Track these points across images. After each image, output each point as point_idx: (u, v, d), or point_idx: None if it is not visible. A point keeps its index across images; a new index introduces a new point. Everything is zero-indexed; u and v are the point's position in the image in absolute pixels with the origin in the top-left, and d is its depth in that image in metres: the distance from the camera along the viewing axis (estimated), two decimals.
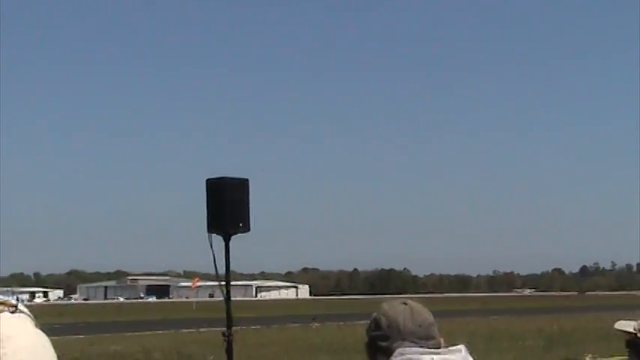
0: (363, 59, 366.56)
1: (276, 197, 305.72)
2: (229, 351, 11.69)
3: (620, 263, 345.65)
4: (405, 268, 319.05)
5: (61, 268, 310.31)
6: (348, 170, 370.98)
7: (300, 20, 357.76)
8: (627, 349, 4.78)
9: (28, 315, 2.10)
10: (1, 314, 2.04)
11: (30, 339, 2.03)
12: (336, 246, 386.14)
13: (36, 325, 2.08)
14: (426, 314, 3.73)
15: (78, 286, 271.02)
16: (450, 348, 3.68)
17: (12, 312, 2.07)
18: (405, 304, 3.75)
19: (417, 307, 3.76)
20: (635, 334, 4.73)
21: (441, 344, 3.72)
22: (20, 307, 2.16)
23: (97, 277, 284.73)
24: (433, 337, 3.68)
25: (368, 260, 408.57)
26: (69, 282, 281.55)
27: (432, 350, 3.60)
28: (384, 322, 3.68)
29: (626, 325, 4.81)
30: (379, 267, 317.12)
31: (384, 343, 3.65)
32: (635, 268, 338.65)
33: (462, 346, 3.69)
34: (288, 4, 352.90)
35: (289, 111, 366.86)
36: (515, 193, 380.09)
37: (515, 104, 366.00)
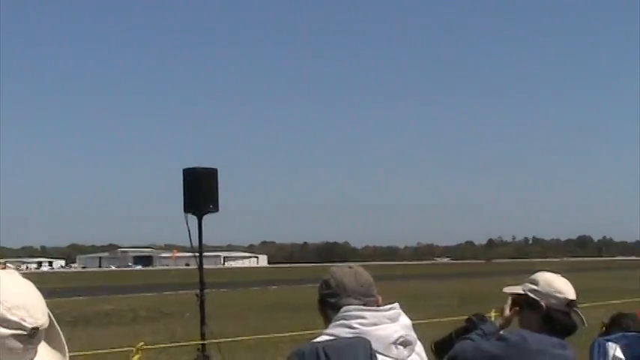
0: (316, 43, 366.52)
1: (241, 182, 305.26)
2: (202, 308, 11.78)
3: (519, 237, 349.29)
4: (345, 241, 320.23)
5: (63, 242, 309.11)
6: (299, 160, 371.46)
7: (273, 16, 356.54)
8: (517, 308, 4.86)
9: (15, 269, 2.14)
10: None
11: (17, 280, 2.07)
12: (290, 223, 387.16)
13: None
14: (367, 276, 3.80)
15: (77, 257, 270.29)
16: (386, 306, 3.74)
17: (2, 268, 2.12)
18: (350, 267, 3.84)
19: (360, 270, 3.84)
20: (526, 293, 4.80)
21: (379, 302, 3.80)
22: (8, 265, 2.23)
23: (93, 249, 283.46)
24: (372, 296, 3.75)
25: (316, 235, 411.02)
26: (70, 253, 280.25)
27: (372, 308, 3.66)
28: (332, 282, 3.75)
29: (514, 288, 4.89)
30: (325, 240, 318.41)
31: (332, 300, 3.72)
32: (530, 241, 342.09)
33: (396, 304, 3.76)
34: None
35: (250, 105, 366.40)
36: (434, 176, 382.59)
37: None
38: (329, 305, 3.74)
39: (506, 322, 4.82)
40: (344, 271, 3.79)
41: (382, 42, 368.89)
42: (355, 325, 3.59)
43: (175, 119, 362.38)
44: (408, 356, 3.67)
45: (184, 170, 11.83)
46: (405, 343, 3.67)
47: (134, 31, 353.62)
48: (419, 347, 3.83)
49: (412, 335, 3.73)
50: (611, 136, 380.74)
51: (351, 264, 3.91)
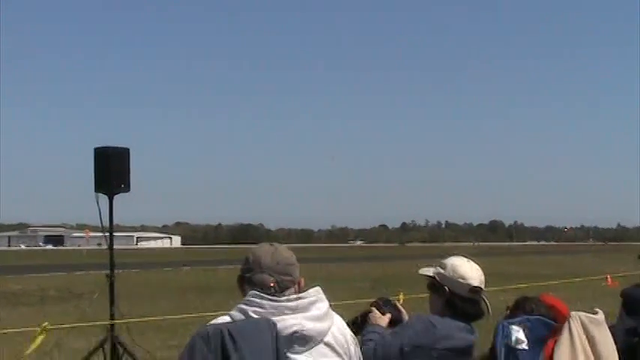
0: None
1: (155, 162, 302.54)
2: (111, 289, 11.69)
3: (432, 221, 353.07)
4: (260, 223, 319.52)
5: None
6: (213, 141, 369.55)
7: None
8: (429, 290, 4.93)
9: None
10: None
11: None
12: (203, 204, 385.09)
13: None
14: (286, 254, 3.81)
15: None
16: (294, 295, 3.75)
17: None
18: (272, 245, 3.87)
19: (281, 248, 3.85)
20: (434, 277, 4.88)
21: (300, 284, 3.82)
22: None
23: (2, 228, 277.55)
24: (289, 275, 3.75)
25: (230, 216, 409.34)
26: None
27: (275, 298, 3.66)
28: (250, 258, 3.78)
29: (427, 270, 4.96)
30: (239, 222, 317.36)
31: (247, 275, 3.76)
32: (443, 225, 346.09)
33: (313, 291, 3.77)
34: None
35: (165, 84, 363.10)
36: (350, 160, 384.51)
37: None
38: (245, 280, 3.78)
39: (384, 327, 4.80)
40: (264, 248, 3.83)
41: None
42: (250, 314, 3.59)
43: (88, 97, 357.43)
44: (304, 351, 3.67)
45: (96, 149, 11.70)
46: (302, 339, 3.66)
47: (40, 4, 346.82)
48: (331, 337, 3.82)
49: (317, 329, 3.69)
50: (522, 123, 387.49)
51: (276, 243, 3.92)
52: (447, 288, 4.75)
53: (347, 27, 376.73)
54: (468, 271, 4.79)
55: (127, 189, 11.66)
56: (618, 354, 5.61)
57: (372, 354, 4.37)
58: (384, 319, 4.76)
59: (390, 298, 5.03)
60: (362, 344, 4.36)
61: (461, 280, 4.74)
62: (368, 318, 4.79)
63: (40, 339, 10.57)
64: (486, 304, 4.83)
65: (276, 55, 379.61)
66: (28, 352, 10.36)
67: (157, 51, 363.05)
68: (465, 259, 4.87)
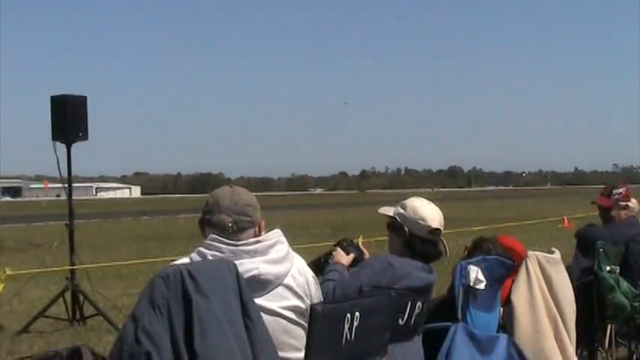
0: None
1: (114, 111, 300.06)
2: (71, 238, 11.69)
3: (392, 167, 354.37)
4: (220, 172, 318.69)
5: None
6: (171, 89, 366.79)
7: None
8: (388, 230, 4.99)
9: None
10: None
11: None
12: (162, 154, 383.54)
13: None
14: (245, 196, 3.86)
15: None
16: (253, 239, 3.78)
17: None
18: (231, 187, 3.93)
19: (240, 190, 3.91)
20: (395, 217, 4.93)
21: (259, 225, 3.87)
22: None
23: None
24: (248, 216, 3.80)
25: (189, 165, 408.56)
26: None
27: (233, 242, 3.70)
28: (210, 200, 3.86)
29: (388, 210, 5.01)
30: (199, 171, 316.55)
31: (207, 216, 3.82)
32: (403, 172, 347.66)
33: (271, 234, 3.84)
34: None
35: (123, 35, 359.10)
36: (308, 108, 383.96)
37: None
38: (205, 222, 3.84)
39: (345, 266, 4.87)
40: (223, 190, 3.89)
41: None
42: (209, 257, 3.63)
43: (42, 45, 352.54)
44: (263, 295, 3.70)
45: (52, 97, 11.62)
46: (259, 283, 3.69)
47: None
48: (291, 279, 3.85)
49: (275, 272, 3.73)
50: (480, 69, 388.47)
51: (236, 186, 3.96)
52: (406, 229, 4.82)
53: None
54: (428, 212, 4.85)
55: (85, 137, 11.61)
56: (574, 292, 5.74)
57: (331, 294, 4.43)
58: (347, 259, 4.83)
59: (353, 240, 5.10)
60: (322, 284, 4.41)
61: (421, 222, 4.81)
62: (331, 257, 4.85)
63: (0, 287, 10.55)
64: (444, 245, 4.91)
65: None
66: None
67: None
68: (426, 201, 4.94)
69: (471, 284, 4.86)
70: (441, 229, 4.87)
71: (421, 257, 4.80)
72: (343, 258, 4.84)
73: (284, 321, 3.76)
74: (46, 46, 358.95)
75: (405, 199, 4.98)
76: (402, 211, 4.89)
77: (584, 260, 7.00)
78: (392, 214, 4.92)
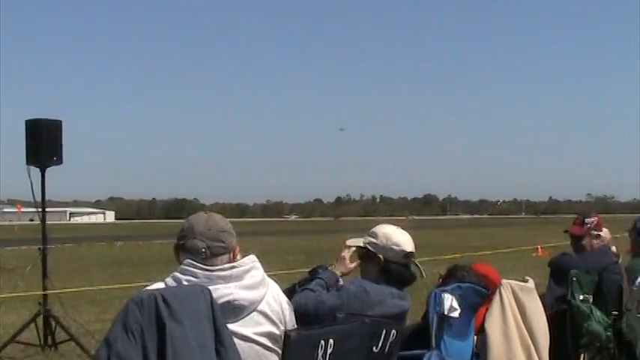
0: None
1: (89, 136, 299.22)
2: (44, 262, 11.59)
3: (367, 195, 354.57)
4: (195, 198, 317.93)
5: None
6: (147, 114, 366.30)
7: None
8: (360, 260, 5.02)
9: None
10: None
11: None
12: (137, 179, 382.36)
13: None
14: (220, 222, 3.85)
15: None
16: (228, 264, 3.77)
17: None
18: (206, 212, 3.92)
19: (215, 216, 3.90)
20: (366, 247, 4.97)
21: (233, 251, 3.84)
22: None
23: None
24: (221, 242, 3.78)
25: (164, 191, 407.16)
26: None
27: (207, 267, 3.68)
28: (185, 225, 3.84)
29: (357, 241, 5.05)
30: (174, 197, 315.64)
31: (181, 241, 3.80)
32: (378, 199, 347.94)
33: (247, 259, 3.81)
34: None
35: (99, 56, 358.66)
36: (285, 134, 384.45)
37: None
38: (180, 247, 3.83)
39: (348, 272, 4.97)
40: (199, 216, 3.89)
41: None
42: (184, 282, 3.62)
43: (20, 69, 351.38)
44: (237, 321, 3.69)
45: (27, 121, 11.56)
46: (234, 309, 3.67)
47: None
48: (265, 305, 3.83)
49: (250, 298, 3.72)
50: (455, 99, 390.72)
51: (212, 212, 3.96)
52: (381, 256, 4.86)
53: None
54: (400, 237, 4.92)
55: (60, 161, 11.55)
56: (548, 321, 5.75)
57: (303, 305, 4.41)
58: (347, 267, 4.91)
59: (328, 267, 5.10)
60: (301, 291, 4.47)
61: (395, 247, 4.85)
62: (308, 283, 4.86)
63: None
64: (418, 267, 4.97)
65: (203, 26, 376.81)
66: None
67: (89, 22, 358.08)
68: (395, 227, 5.00)
69: (445, 312, 4.88)
70: (414, 251, 4.93)
71: (397, 282, 4.83)
72: (342, 265, 4.91)
73: (258, 347, 3.74)
74: (21, 70, 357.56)
75: (372, 228, 5.03)
76: (373, 239, 4.94)
77: (557, 289, 7.01)
78: (362, 245, 4.96)
